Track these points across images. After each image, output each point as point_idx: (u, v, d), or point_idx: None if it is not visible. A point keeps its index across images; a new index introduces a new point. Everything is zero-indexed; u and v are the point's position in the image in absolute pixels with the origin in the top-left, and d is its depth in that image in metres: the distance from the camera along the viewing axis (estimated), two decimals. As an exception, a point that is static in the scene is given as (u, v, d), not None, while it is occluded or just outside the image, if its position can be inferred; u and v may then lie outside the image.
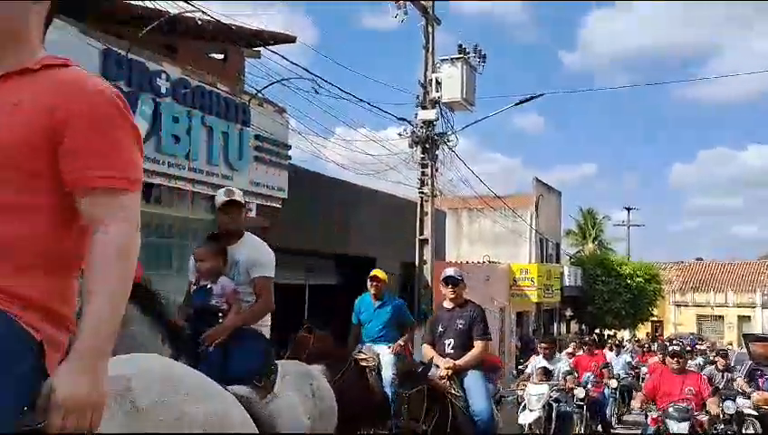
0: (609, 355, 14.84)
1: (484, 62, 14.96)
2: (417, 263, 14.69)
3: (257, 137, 9.43)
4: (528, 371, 9.73)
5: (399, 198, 16.41)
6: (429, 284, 14.53)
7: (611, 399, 12.94)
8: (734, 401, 10.24)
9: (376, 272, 7.70)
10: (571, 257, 31.20)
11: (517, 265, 23.47)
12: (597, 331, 28.70)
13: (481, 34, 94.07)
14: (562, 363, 9.67)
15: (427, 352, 5.93)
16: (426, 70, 14.67)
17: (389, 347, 7.07)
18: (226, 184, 9.00)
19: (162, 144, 7.97)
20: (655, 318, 35.02)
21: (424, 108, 14.58)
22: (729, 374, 11.77)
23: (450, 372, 5.58)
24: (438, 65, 14.68)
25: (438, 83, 14.52)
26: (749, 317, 39.93)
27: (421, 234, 14.67)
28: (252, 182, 9.40)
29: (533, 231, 25.89)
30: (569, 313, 29.34)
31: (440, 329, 5.89)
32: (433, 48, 14.78)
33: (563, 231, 39.04)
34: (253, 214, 10.29)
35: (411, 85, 14.72)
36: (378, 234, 15.20)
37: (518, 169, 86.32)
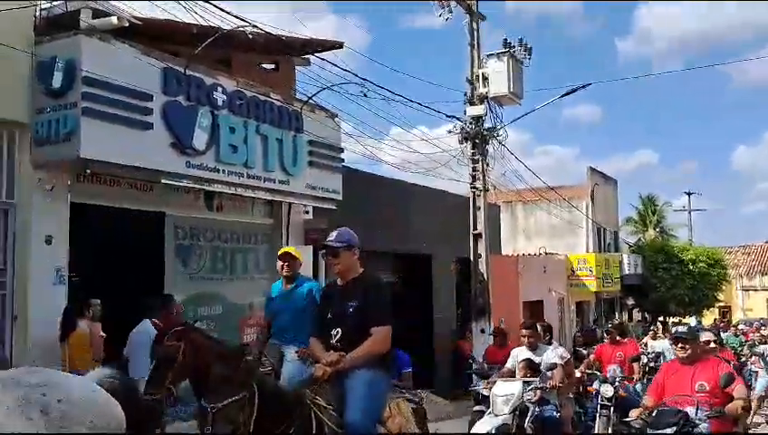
0: (659, 345, 13.94)
1: (529, 55, 14.99)
2: (471, 258, 14.84)
3: (311, 142, 9.79)
4: (509, 365, 7.83)
5: (453, 194, 16.61)
6: (485, 277, 14.69)
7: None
8: None
9: (287, 249, 6.34)
10: (630, 246, 30.76)
11: (574, 256, 23.40)
12: (660, 318, 28.25)
13: (533, 27, 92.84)
14: (550, 354, 7.70)
15: (313, 347, 4.46)
16: (472, 66, 14.80)
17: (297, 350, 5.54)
18: (283, 189, 9.44)
19: (221, 154, 8.38)
20: (722, 304, 34.18)
21: (472, 104, 14.71)
22: None
23: (326, 375, 4.08)
24: (485, 61, 14.80)
25: (485, 79, 14.61)
26: (822, 300, 38.55)
27: (475, 229, 14.80)
28: (307, 186, 9.77)
29: (590, 221, 25.69)
30: (630, 301, 28.96)
31: (329, 314, 4.40)
32: (478, 44, 14.90)
33: (623, 219, 38.55)
34: (310, 216, 10.70)
35: (461, 82, 14.87)
36: (433, 230, 15.44)
37: (576, 159, 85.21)
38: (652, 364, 12.41)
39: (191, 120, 8.09)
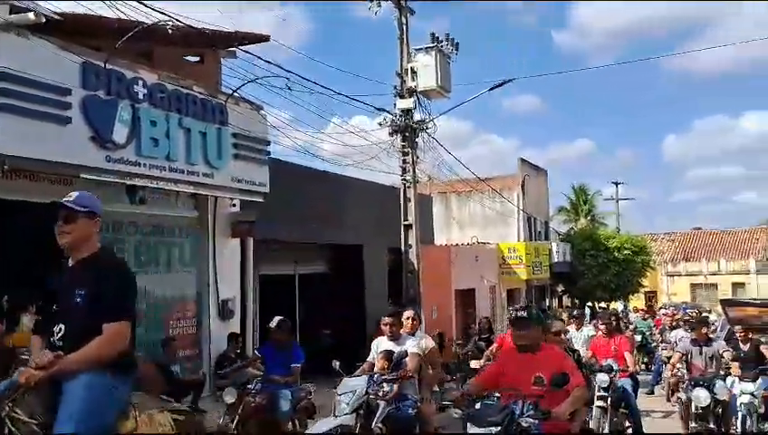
0: (584, 334, 12.37)
1: (456, 50, 15.40)
2: (402, 248, 15.17)
3: (235, 135, 9.87)
4: (369, 357, 7.10)
5: (385, 186, 16.91)
6: (416, 267, 15.06)
7: None
8: (707, 387, 7.85)
9: None
10: (560, 234, 31.76)
11: (505, 245, 24.04)
12: (588, 304, 29.29)
13: (472, 20, 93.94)
14: (410, 343, 6.92)
15: (33, 346, 3.69)
16: (401, 60, 15.09)
17: None
18: (207, 182, 9.52)
19: (142, 148, 8.40)
20: (647, 289, 35.62)
21: (402, 97, 15.01)
22: (708, 348, 8.80)
23: (32, 381, 3.20)
24: (413, 55, 15.10)
25: (414, 72, 14.94)
26: (743, 284, 40.58)
27: (405, 219, 15.14)
28: (233, 178, 9.85)
29: (520, 211, 26.42)
30: (560, 288, 29.94)
31: (55, 306, 3.56)
32: (407, 38, 15.18)
33: (556, 208, 39.80)
34: (237, 209, 10.79)
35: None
36: (364, 222, 15.71)
37: (515, 150, 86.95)
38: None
39: (111, 113, 8.08)
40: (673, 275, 43.57)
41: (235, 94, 10.12)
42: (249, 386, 7.52)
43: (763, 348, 9.71)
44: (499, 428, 4.29)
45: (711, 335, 9.48)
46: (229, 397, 7.49)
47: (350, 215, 15.31)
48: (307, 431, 6.59)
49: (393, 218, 15.17)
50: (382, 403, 6.24)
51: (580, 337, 11.92)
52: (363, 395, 6.21)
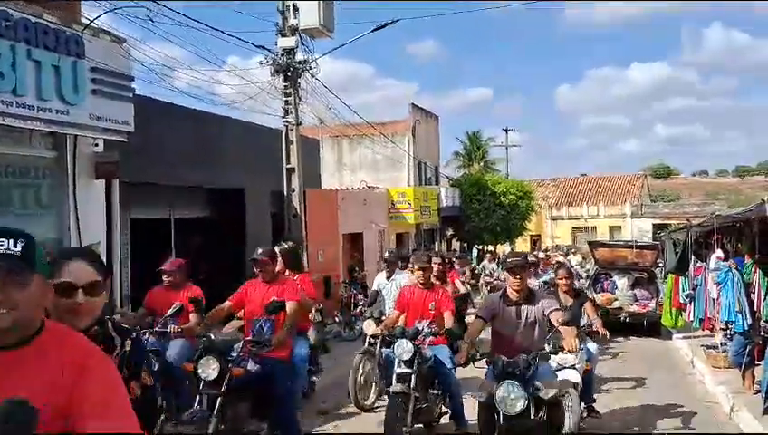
0: (401, 280, 9.39)
1: (335, -13, 15.03)
2: (285, 192, 14.95)
3: (94, 69, 9.22)
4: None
5: (269, 128, 16.49)
6: (298, 212, 14.91)
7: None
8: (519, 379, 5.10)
9: None
10: (450, 179, 32.36)
11: (394, 189, 24.23)
12: (478, 247, 30.18)
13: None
14: None
15: None
16: (283, -5, 14.58)
17: None
18: (63, 119, 8.90)
19: (-16, 81, 7.72)
20: (532, 232, 37.07)
21: (283, 35, 14.57)
22: (530, 308, 5.62)
23: None
24: (295, -10, 14.60)
25: (296, 10, 14.50)
26: (619, 227, 42.99)
27: (288, 162, 14.88)
28: (92, 116, 9.23)
29: (410, 156, 26.62)
30: (449, 232, 30.65)
31: None
32: (289, -27, 14.64)
33: (452, 154, 40.59)
34: (100, 149, 10.18)
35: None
36: (247, 165, 15.29)
37: (415, 95, 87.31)
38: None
39: (-56, 42, 7.34)
40: (556, 219, 45.60)
41: (94, 26, 9.43)
42: None
43: (588, 306, 7.87)
44: None
45: (534, 288, 6.46)
46: None
47: (231, 158, 14.85)
48: None
49: (277, 162, 14.86)
50: None
51: (392, 289, 8.91)
52: None
